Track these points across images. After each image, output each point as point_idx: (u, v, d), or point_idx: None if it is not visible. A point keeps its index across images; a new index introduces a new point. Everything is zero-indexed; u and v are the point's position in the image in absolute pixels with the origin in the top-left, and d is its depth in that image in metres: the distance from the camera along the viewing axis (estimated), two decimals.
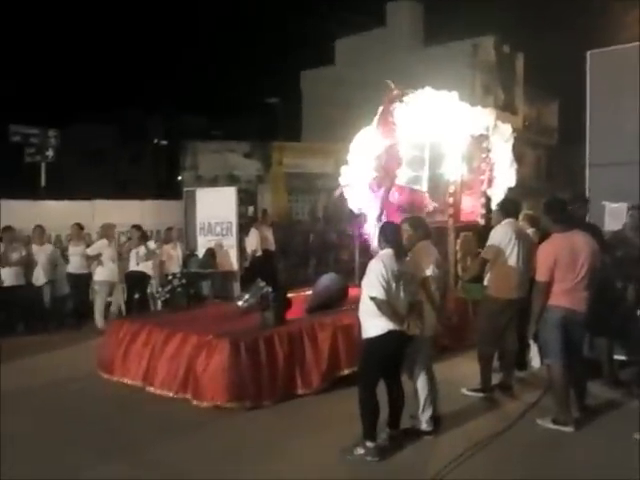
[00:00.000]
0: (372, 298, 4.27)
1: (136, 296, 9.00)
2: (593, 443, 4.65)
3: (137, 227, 9.35)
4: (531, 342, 5.28)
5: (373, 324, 4.34)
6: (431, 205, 8.08)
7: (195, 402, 5.49)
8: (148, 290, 9.07)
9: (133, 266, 9.15)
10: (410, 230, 4.89)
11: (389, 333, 4.29)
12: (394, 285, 4.33)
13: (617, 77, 8.44)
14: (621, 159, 8.01)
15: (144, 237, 9.34)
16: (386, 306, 4.25)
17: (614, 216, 6.66)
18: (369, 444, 4.35)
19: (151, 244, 9.40)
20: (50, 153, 14.47)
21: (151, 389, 5.90)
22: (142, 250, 9.10)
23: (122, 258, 9.47)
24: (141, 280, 9.13)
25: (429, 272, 4.74)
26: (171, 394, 5.70)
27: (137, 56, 27.21)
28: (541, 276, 4.76)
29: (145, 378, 6.01)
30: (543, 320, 4.77)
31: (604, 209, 7.25)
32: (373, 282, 4.30)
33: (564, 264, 4.67)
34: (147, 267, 9.17)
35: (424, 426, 4.73)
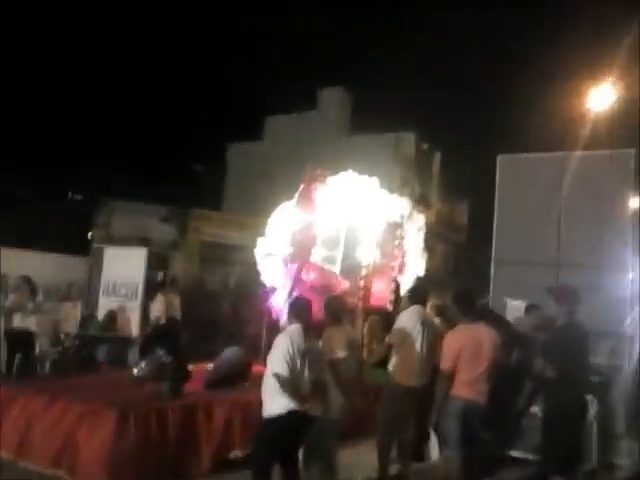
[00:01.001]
0: (275, 374, 4.11)
1: (18, 356, 8.17)
2: None
3: (26, 278, 8.63)
4: (431, 432, 5.23)
5: (274, 402, 4.17)
6: (342, 286, 8.13)
7: None
8: (36, 350, 8.31)
9: (17, 322, 8.33)
10: (327, 309, 4.85)
11: (290, 413, 4.13)
12: (299, 362, 4.21)
13: (523, 182, 9.03)
14: (523, 258, 8.46)
15: (33, 291, 8.61)
16: (288, 384, 4.10)
17: (513, 312, 6.91)
18: None
19: (39, 298, 8.67)
20: None
21: (24, 463, 5.26)
22: (29, 305, 8.36)
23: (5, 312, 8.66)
24: (25, 338, 8.31)
25: (339, 354, 4.67)
26: (44, 470, 5.13)
27: (61, 109, 26.67)
28: (445, 365, 4.80)
29: (18, 451, 5.34)
30: (444, 410, 4.77)
31: (505, 305, 7.53)
32: (277, 358, 4.17)
33: (467, 355, 4.74)
34: (33, 324, 8.40)
35: None
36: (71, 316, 9.21)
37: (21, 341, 8.24)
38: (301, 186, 8.30)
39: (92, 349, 8.97)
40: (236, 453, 5.57)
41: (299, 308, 4.56)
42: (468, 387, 4.75)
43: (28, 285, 8.50)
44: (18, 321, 8.30)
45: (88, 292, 10.28)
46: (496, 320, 5.63)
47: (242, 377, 6.61)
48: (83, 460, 4.98)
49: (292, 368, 4.16)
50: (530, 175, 8.99)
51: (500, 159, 9.35)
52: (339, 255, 8.43)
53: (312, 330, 4.56)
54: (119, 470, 4.91)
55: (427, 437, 5.78)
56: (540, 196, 8.70)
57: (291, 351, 4.19)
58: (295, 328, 4.39)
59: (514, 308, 6.69)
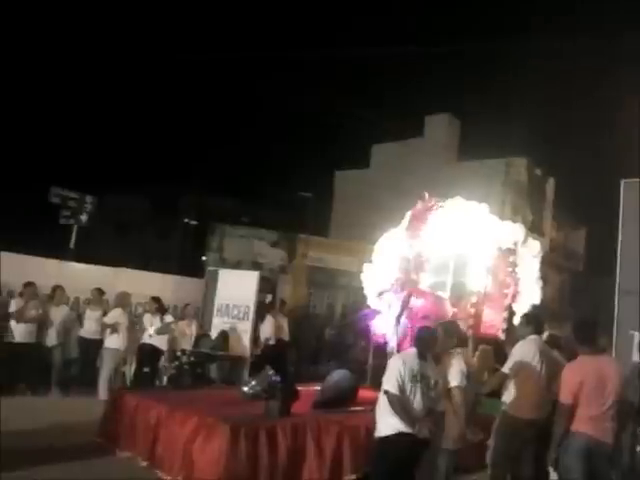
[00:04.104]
0: (385, 392, 4.11)
1: (146, 369, 8.82)
2: None
3: (155, 299, 9.33)
4: (550, 470, 4.92)
5: (385, 422, 4.17)
6: (451, 313, 7.94)
7: None
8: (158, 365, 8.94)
9: (146, 338, 9.05)
10: (443, 335, 4.78)
11: (399, 435, 4.08)
12: (410, 385, 4.18)
13: None
14: None
15: (161, 310, 9.29)
16: (398, 404, 4.07)
17: None
18: None
19: (167, 318, 9.33)
20: (84, 217, 14.76)
21: (155, 471, 5.59)
22: (157, 323, 9.04)
23: (135, 329, 9.39)
24: (153, 353, 8.98)
25: (455, 382, 4.57)
26: (164, 476, 5.43)
27: (176, 138, 28.57)
28: (565, 398, 4.52)
29: (149, 456, 5.75)
30: (564, 447, 4.47)
31: (631, 339, 7.01)
32: (389, 377, 4.21)
33: (590, 388, 4.44)
34: (160, 341, 9.05)
35: None
36: (186, 334, 9.72)
37: (150, 356, 8.91)
38: (411, 212, 8.30)
39: (205, 366, 9.38)
40: (348, 477, 5.53)
41: (419, 333, 4.54)
42: (591, 423, 4.43)
43: (157, 304, 9.18)
44: (147, 337, 9.01)
45: (202, 312, 10.76)
46: None
47: (349, 400, 6.62)
48: (197, 470, 5.19)
49: (402, 389, 4.15)
50: None
51: (624, 184, 8.84)
52: (448, 281, 8.26)
53: (431, 357, 4.50)
54: None
55: (546, 475, 5.44)
56: None
57: (402, 372, 4.19)
58: (410, 351, 4.39)
59: None
